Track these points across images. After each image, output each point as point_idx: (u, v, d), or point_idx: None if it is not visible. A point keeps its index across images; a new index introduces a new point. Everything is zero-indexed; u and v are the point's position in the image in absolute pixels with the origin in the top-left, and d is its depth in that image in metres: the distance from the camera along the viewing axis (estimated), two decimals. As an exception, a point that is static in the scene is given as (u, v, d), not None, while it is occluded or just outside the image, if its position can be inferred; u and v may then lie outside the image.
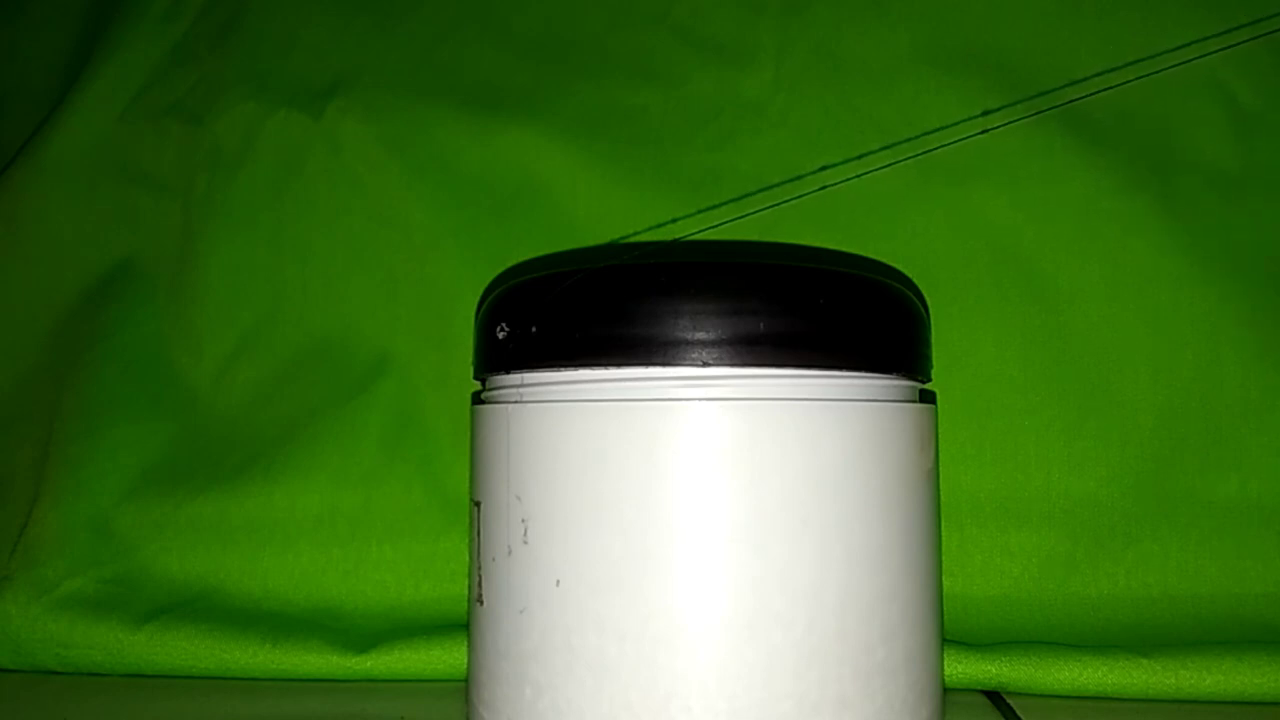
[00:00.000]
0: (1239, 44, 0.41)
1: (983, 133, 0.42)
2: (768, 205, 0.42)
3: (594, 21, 0.48)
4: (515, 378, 0.31)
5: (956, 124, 0.41)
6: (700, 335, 0.28)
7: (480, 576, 0.31)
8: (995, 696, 0.39)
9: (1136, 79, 0.41)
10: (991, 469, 0.43)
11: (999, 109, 0.42)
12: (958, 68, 0.46)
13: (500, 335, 0.31)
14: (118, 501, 0.45)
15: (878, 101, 0.46)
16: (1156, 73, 0.40)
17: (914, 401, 0.32)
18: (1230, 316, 0.43)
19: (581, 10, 0.49)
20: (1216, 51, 0.41)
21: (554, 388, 0.30)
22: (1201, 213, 0.44)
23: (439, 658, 0.41)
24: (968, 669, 0.38)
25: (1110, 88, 0.41)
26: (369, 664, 0.41)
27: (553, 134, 0.47)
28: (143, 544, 0.44)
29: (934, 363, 0.34)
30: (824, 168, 0.41)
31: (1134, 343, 0.44)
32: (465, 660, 0.36)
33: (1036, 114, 0.43)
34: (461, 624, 0.41)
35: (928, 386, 0.34)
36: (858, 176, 0.40)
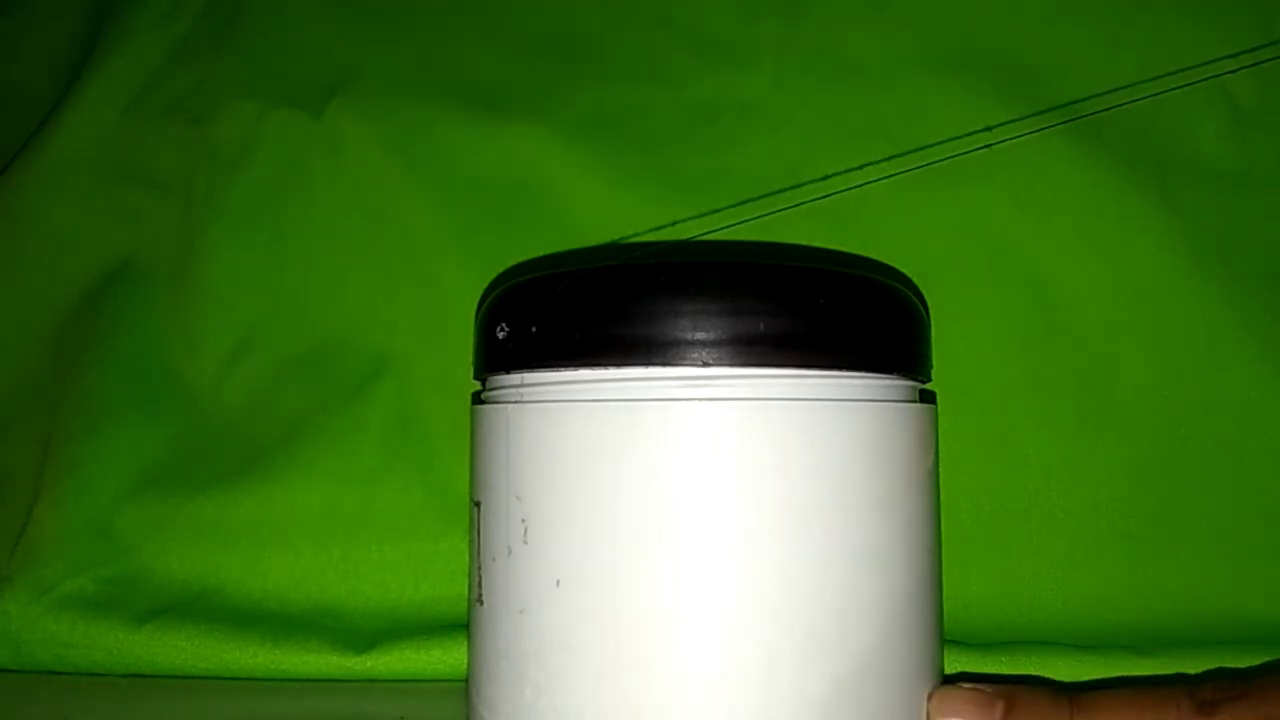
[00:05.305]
0: (1253, 64, 0.41)
1: (985, 147, 0.42)
2: (770, 211, 0.42)
3: (595, 21, 0.48)
4: (515, 378, 0.31)
5: (960, 137, 0.41)
6: (700, 335, 0.28)
7: (480, 576, 0.31)
8: (995, 696, 0.39)
9: (1145, 98, 0.41)
10: (991, 469, 0.43)
11: (1001, 124, 0.42)
12: (958, 67, 0.46)
13: (500, 335, 0.31)
14: (118, 501, 0.45)
15: (879, 101, 0.46)
16: (1166, 92, 0.40)
17: (914, 401, 0.32)
18: (1230, 316, 0.43)
19: (582, 10, 0.49)
20: (1226, 73, 0.41)
21: (554, 388, 0.30)
22: (1201, 212, 0.44)
23: (439, 658, 0.41)
24: (968, 669, 0.38)
25: (1118, 105, 0.41)
26: (369, 664, 0.41)
27: (553, 134, 0.47)
28: (143, 544, 0.44)
29: (934, 362, 0.34)
30: (826, 176, 0.41)
31: (1134, 343, 0.43)
32: (465, 660, 0.36)
33: (1041, 129, 0.43)
34: (461, 624, 0.41)
35: (928, 386, 0.34)
36: (860, 186, 0.40)
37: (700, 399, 0.28)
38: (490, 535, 0.30)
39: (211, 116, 0.49)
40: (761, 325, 0.28)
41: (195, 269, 0.48)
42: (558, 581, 0.28)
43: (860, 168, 0.40)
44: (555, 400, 0.30)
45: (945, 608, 0.33)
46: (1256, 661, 0.37)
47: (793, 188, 0.42)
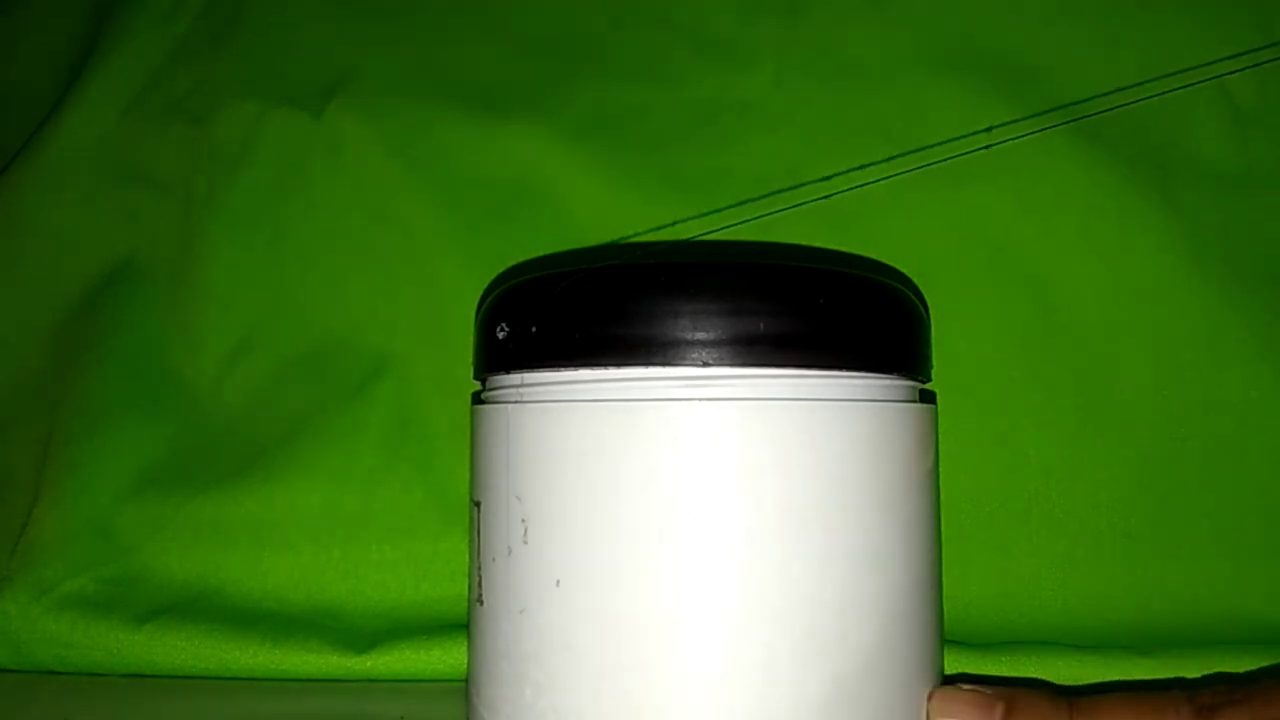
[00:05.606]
0: (1253, 64, 0.41)
1: (986, 148, 0.42)
2: (770, 211, 0.42)
3: (595, 21, 0.48)
4: (515, 378, 0.31)
5: (961, 138, 0.41)
6: (700, 335, 0.28)
7: (480, 576, 0.31)
8: (995, 696, 0.39)
9: (1145, 98, 0.41)
10: (991, 469, 0.43)
11: (1001, 124, 0.42)
12: (958, 67, 0.46)
13: (500, 335, 0.31)
14: (118, 501, 0.45)
15: (879, 101, 0.46)
16: (1166, 93, 0.40)
17: (914, 401, 0.32)
18: (1230, 316, 0.43)
19: (582, 10, 0.49)
20: (1227, 74, 0.41)
21: (554, 388, 0.30)
22: (1201, 212, 0.44)
23: (439, 658, 0.41)
24: (968, 669, 0.38)
25: (1118, 105, 0.41)
26: (369, 664, 0.41)
27: (553, 134, 0.47)
28: (143, 544, 0.44)
29: (934, 362, 0.34)
30: (826, 176, 0.41)
31: (1134, 343, 0.44)
32: (465, 660, 0.36)
33: (1041, 130, 0.43)
34: (461, 624, 0.41)
35: (928, 386, 0.34)
36: (860, 186, 0.40)
37: (700, 399, 0.28)
38: (490, 535, 0.30)
39: (211, 116, 0.49)
40: (761, 325, 0.28)
41: (195, 269, 0.48)
42: (558, 581, 0.28)
43: (860, 168, 0.40)
44: (555, 400, 0.30)
45: (945, 608, 0.33)
46: (1257, 662, 0.37)
47: (793, 188, 0.42)
